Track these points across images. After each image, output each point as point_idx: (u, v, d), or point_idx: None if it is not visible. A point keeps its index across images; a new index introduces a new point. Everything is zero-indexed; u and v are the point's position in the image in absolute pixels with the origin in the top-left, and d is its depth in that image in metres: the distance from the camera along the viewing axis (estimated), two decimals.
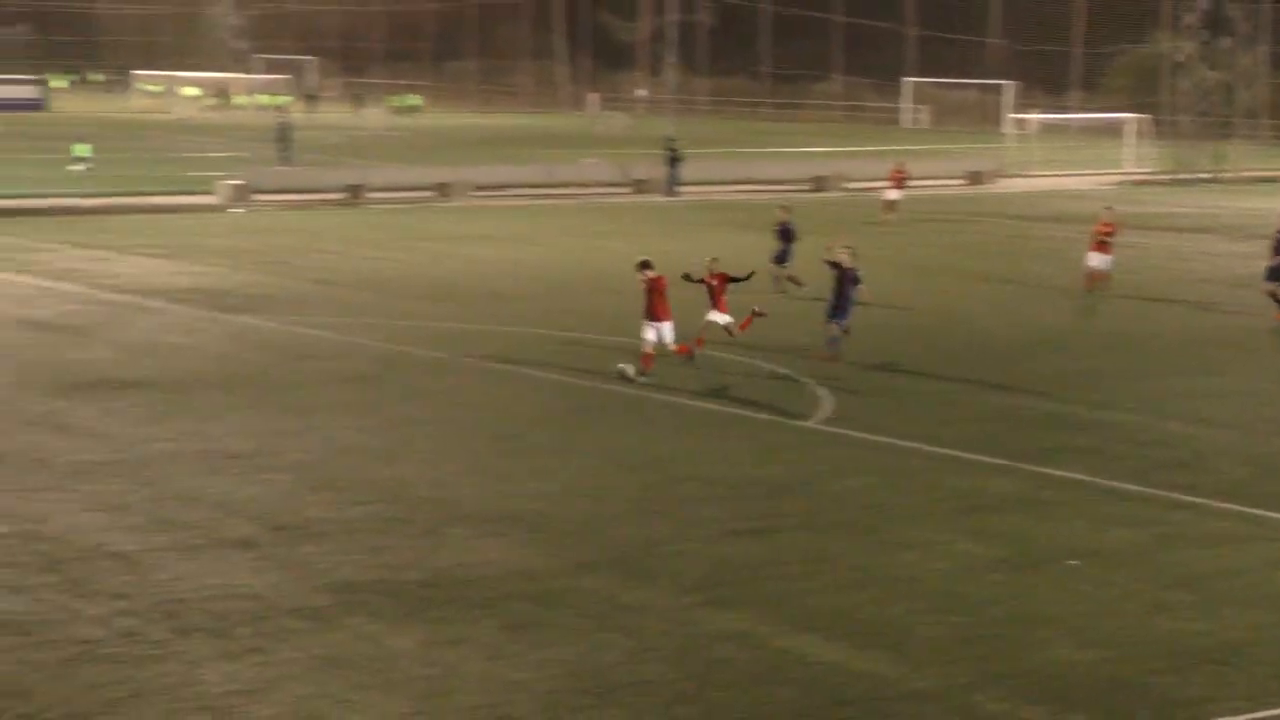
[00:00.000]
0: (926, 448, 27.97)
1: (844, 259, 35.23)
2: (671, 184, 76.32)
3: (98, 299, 42.12)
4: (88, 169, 78.29)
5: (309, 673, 17.30)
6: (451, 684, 17.13)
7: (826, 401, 31.44)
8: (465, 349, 35.75)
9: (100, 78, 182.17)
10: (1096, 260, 46.17)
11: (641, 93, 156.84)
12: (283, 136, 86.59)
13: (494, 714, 16.38)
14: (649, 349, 32.65)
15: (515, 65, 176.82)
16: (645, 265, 33.02)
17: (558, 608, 19.58)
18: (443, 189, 73.12)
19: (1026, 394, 32.77)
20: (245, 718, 16.12)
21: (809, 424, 29.75)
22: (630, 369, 32.76)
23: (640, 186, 77.21)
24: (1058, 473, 26.48)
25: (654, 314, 32.79)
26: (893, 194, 65.66)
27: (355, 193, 71.10)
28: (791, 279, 44.27)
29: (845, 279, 35.06)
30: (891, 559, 21.85)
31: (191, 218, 63.20)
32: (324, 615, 19.11)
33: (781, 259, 44.93)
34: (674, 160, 76.76)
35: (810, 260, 40.90)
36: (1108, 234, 46.23)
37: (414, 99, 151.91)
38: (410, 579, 20.50)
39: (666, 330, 32.91)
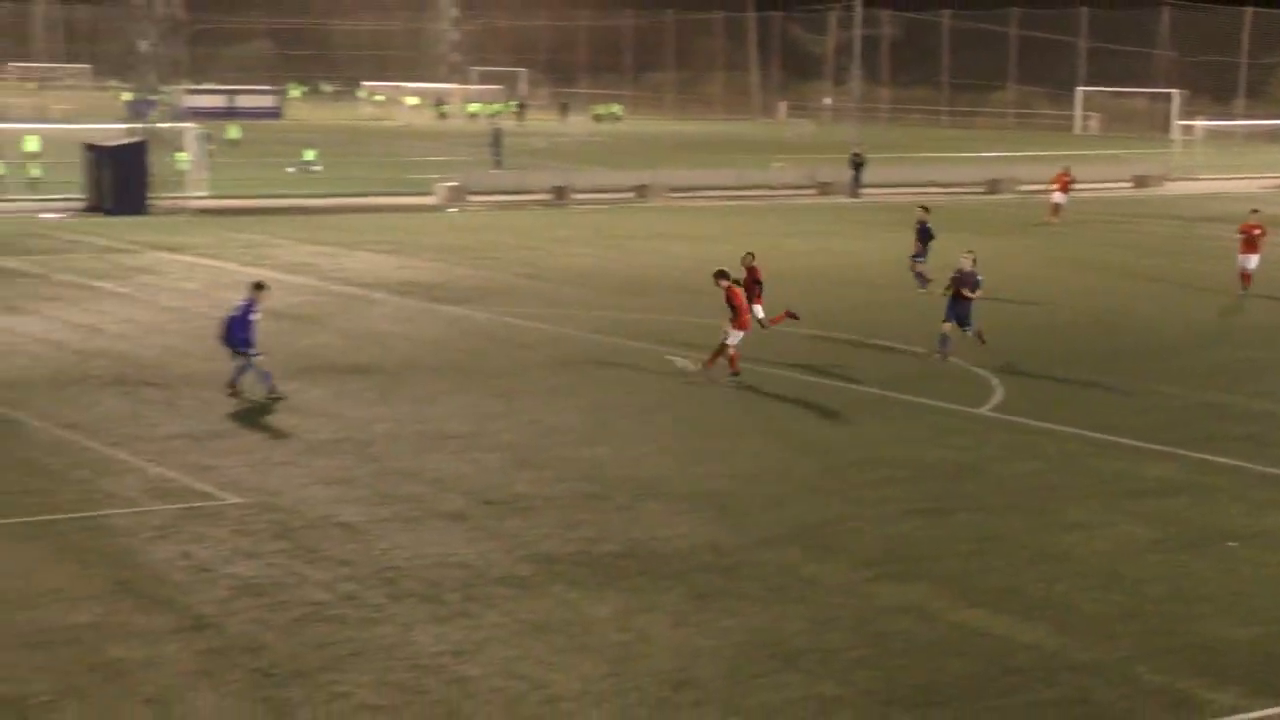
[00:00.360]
0: (1092, 434, 27.62)
1: (965, 264, 34.22)
2: (855, 187, 75.96)
3: (327, 290, 42.72)
4: (307, 171, 79.50)
5: (513, 636, 17.46)
6: (643, 648, 17.21)
7: (997, 390, 31.13)
8: (659, 339, 35.83)
9: (329, 88, 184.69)
10: (1247, 260, 45.19)
11: (828, 101, 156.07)
12: (495, 142, 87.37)
13: (682, 677, 16.42)
14: (734, 351, 31.60)
15: (709, 76, 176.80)
16: (722, 275, 31.82)
17: (742, 579, 19.60)
18: (641, 190, 73.27)
19: (1187, 385, 32.23)
20: (454, 676, 16.30)
21: (980, 411, 29.48)
22: (684, 362, 32.51)
23: (825, 189, 76.91)
24: (1217, 459, 26.05)
25: (739, 323, 31.51)
26: (1058, 198, 64.73)
27: (560, 194, 71.45)
28: (920, 275, 43.81)
29: (961, 283, 33.90)
30: (1057, 539, 21.62)
31: (412, 216, 63.86)
32: (528, 583, 19.27)
33: (918, 256, 44.49)
34: (857, 164, 76.39)
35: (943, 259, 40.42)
36: (1255, 234, 45.22)
37: (615, 107, 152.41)
38: (606, 551, 20.60)
39: (735, 334, 31.53)
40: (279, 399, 28.78)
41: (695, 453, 25.91)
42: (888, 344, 35.58)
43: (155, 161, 63.32)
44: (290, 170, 79.85)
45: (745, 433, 27.48)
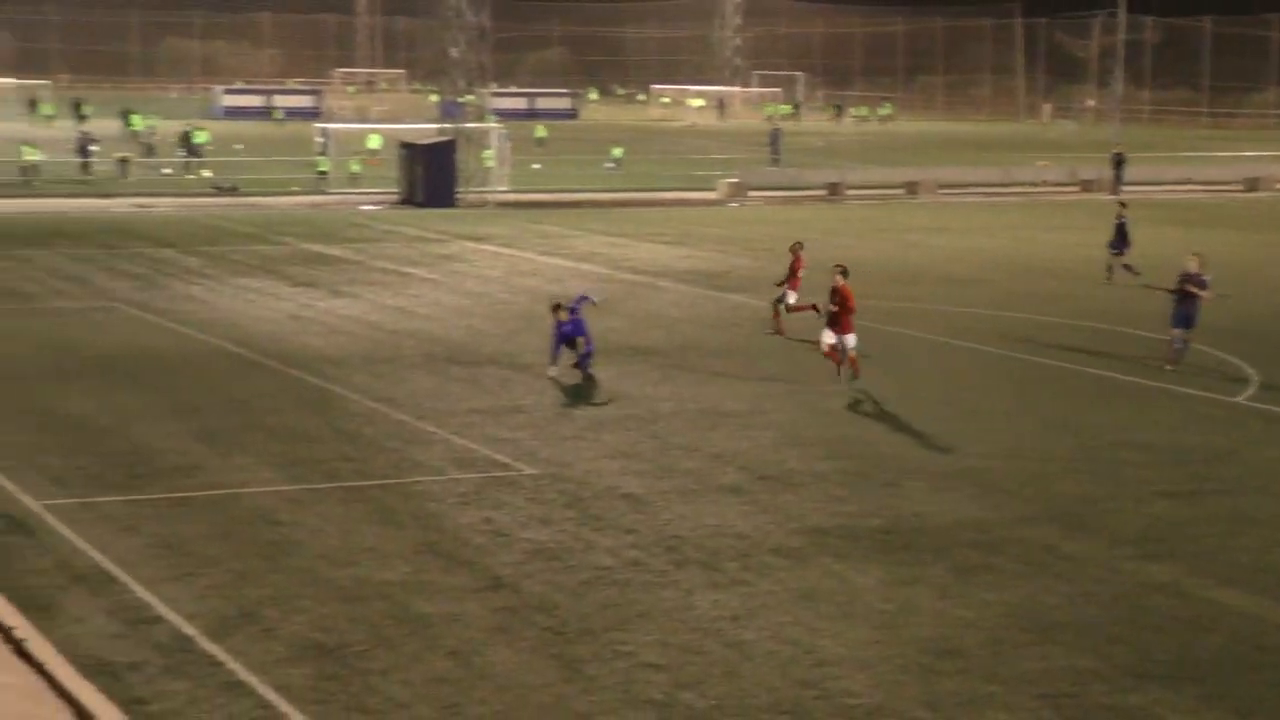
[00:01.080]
0: None
1: (1191, 266, 31.57)
2: (1116, 184, 74.28)
3: (616, 278, 43.05)
4: (617, 169, 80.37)
5: (785, 603, 17.41)
6: (907, 618, 17.04)
7: (1254, 380, 30.20)
8: (925, 326, 35.45)
9: (621, 91, 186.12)
10: None
11: (1090, 103, 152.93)
12: (774, 141, 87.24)
13: (944, 646, 16.23)
14: (826, 349, 29.50)
15: (977, 78, 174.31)
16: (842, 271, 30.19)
17: (1002, 555, 19.30)
18: (911, 187, 72.53)
19: None
20: (731, 639, 16.31)
21: (1236, 399, 28.63)
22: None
23: (1087, 186, 75.33)
24: None
25: (841, 326, 29.16)
26: None
27: (834, 190, 71.04)
28: (1127, 267, 42.72)
29: (1189, 284, 31.47)
30: None
31: (695, 210, 64.07)
32: (798, 554, 19.20)
33: (1118, 248, 43.34)
34: (1118, 163, 74.65)
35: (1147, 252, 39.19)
36: None
37: (886, 108, 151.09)
38: (872, 525, 20.44)
39: (849, 340, 29.21)
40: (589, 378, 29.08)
41: (957, 433, 25.57)
42: (1146, 334, 34.71)
43: (462, 159, 64.44)
44: (608, 166, 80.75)
45: (1006, 414, 27.06)
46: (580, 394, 28.12)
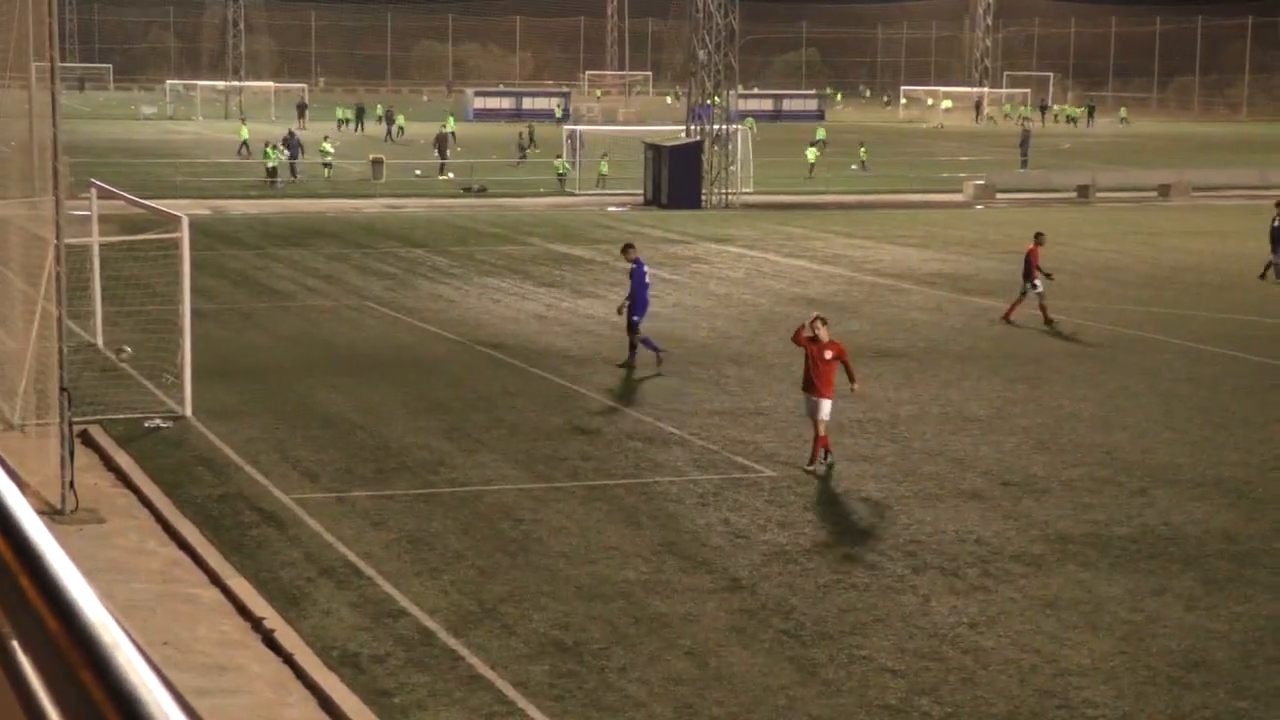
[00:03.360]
0: None
1: None
2: None
3: (859, 280, 42.80)
4: (862, 169, 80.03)
5: (1026, 611, 17.14)
6: (1153, 629, 16.66)
7: None
8: (1179, 332, 34.61)
9: (867, 93, 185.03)
10: None
11: None
12: (1024, 142, 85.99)
13: (1192, 659, 15.83)
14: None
15: (1237, 78, 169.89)
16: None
17: (1255, 566, 18.77)
18: (1164, 189, 70.90)
19: None
20: (970, 646, 16.10)
21: None
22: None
23: None
24: None
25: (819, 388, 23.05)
26: None
27: (1084, 192, 69.77)
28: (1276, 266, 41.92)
29: None
30: None
31: (941, 212, 63.38)
32: (1041, 562, 18.88)
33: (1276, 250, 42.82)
34: None
35: None
36: None
37: (1122, 112, 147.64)
38: (1118, 534, 20.02)
39: (824, 408, 23.05)
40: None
41: (1210, 441, 24.93)
42: None
43: (708, 160, 64.62)
44: (853, 168, 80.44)
45: (1263, 423, 26.30)
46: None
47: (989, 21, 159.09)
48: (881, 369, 30.39)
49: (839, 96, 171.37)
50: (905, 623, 16.72)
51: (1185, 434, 25.44)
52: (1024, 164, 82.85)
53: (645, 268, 30.87)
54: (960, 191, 69.32)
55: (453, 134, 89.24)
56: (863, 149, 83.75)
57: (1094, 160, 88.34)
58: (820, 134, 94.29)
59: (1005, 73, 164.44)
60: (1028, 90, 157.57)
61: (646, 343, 30.28)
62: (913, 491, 21.89)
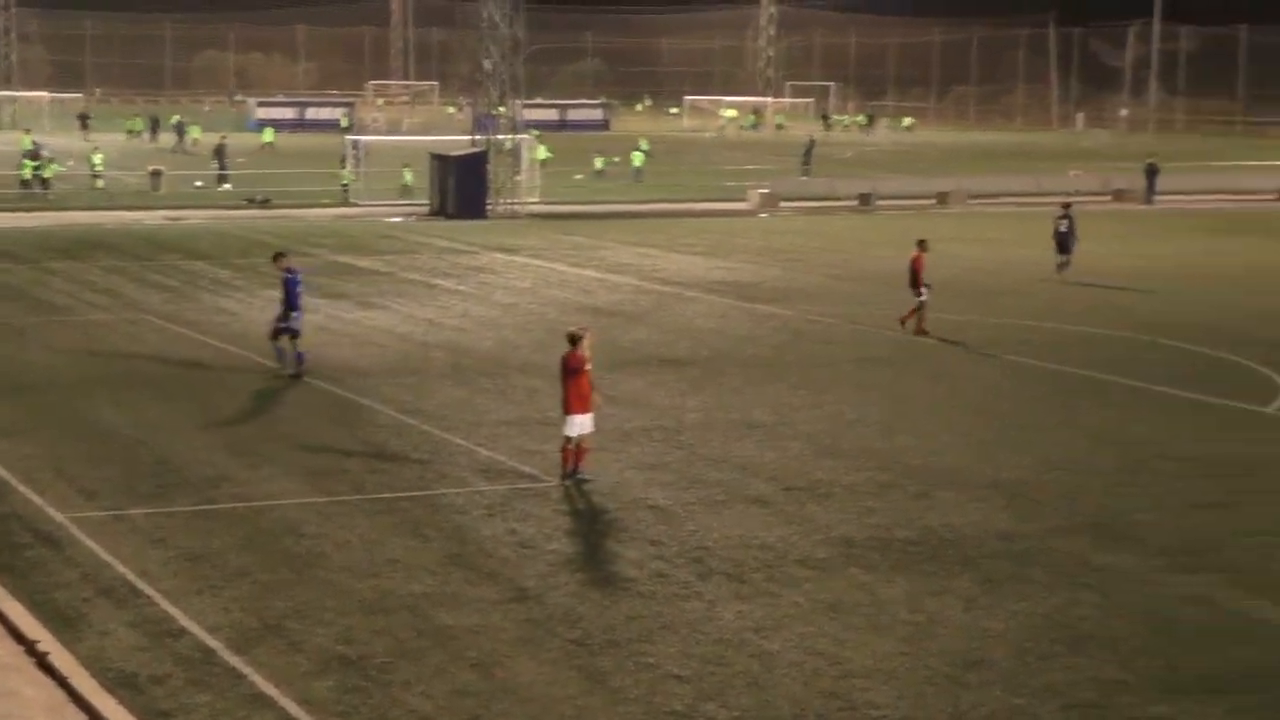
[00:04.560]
0: None
1: None
2: (1150, 194, 73.93)
3: (645, 289, 43.00)
4: (637, 178, 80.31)
5: (810, 615, 17.32)
6: (934, 629, 16.93)
7: None
8: (956, 336, 35.28)
9: (647, 102, 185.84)
10: None
11: (1124, 112, 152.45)
12: (807, 151, 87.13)
13: (971, 658, 16.12)
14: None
15: (1011, 88, 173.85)
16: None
17: (1032, 566, 19.17)
18: (942, 197, 72.32)
19: None
20: (756, 651, 16.23)
21: (1268, 410, 28.43)
22: None
23: (1120, 196, 74.97)
24: None
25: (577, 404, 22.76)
26: None
27: (865, 200, 70.86)
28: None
29: None
30: None
31: (726, 221, 63.91)
32: (825, 565, 19.11)
33: None
34: (1152, 172, 74.32)
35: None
36: None
37: (907, 120, 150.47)
38: (900, 536, 20.33)
39: (586, 423, 22.79)
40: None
41: (992, 444, 25.45)
42: (1179, 344, 34.55)
43: (494, 170, 64.46)
44: (635, 166, 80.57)
45: (1042, 426, 26.91)
46: (608, 406, 27.99)
47: (771, 32, 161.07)
48: (668, 377, 30.56)
49: (639, 106, 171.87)
50: (692, 629, 16.80)
51: (966, 438, 25.93)
52: (807, 172, 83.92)
53: (299, 277, 30.54)
54: (745, 200, 69.98)
55: (272, 144, 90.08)
56: (637, 155, 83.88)
57: (876, 169, 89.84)
58: (541, 154, 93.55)
59: (788, 82, 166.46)
60: (810, 100, 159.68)
61: (287, 353, 30.12)
62: (699, 498, 22.02)
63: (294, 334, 30.14)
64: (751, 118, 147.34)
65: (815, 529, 20.58)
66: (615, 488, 22.49)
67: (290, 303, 30.07)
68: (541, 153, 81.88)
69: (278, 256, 31.70)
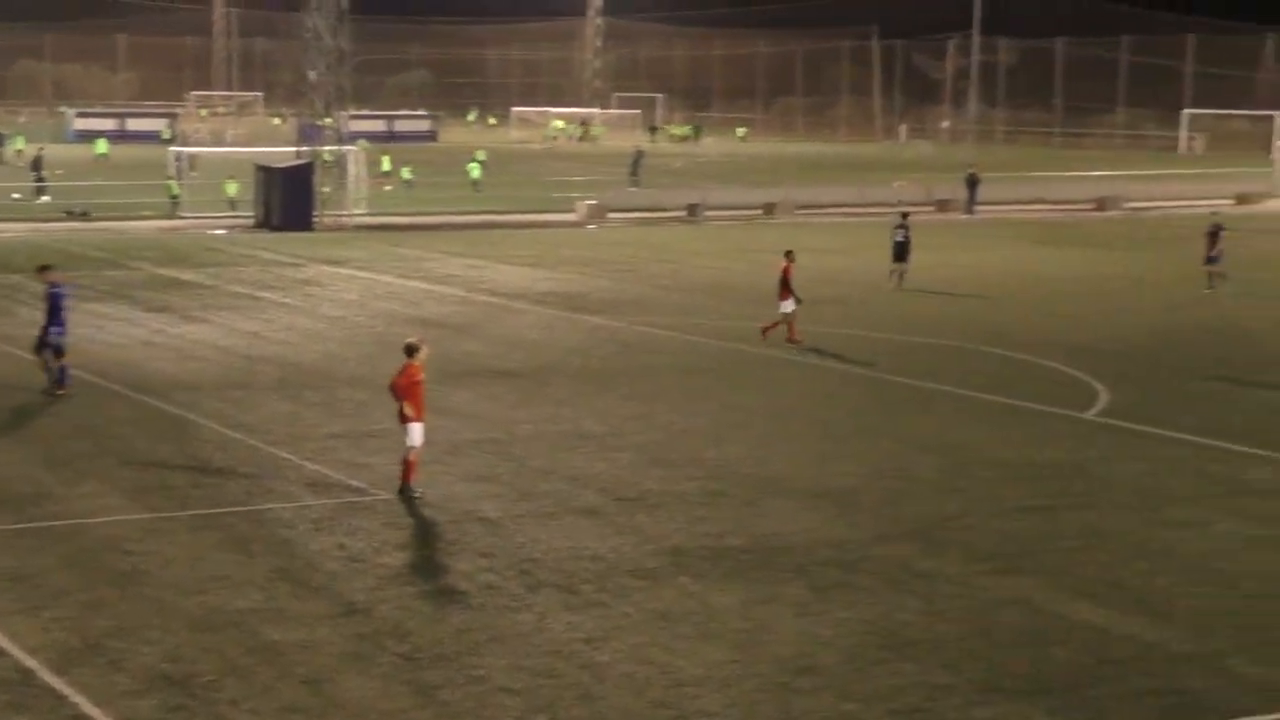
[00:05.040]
0: (1194, 439, 27.11)
1: None
2: (970, 204, 75.22)
3: (473, 300, 42.89)
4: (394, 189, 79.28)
5: (641, 625, 17.36)
6: (765, 637, 17.06)
7: (1102, 396, 30.65)
8: (788, 347, 35.59)
9: (476, 113, 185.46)
10: None
11: (945, 124, 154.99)
12: (635, 162, 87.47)
13: (802, 664, 16.25)
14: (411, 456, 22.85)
15: (836, 100, 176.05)
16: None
17: (859, 573, 19.39)
18: (769, 208, 72.99)
19: None
20: (586, 662, 16.23)
21: (1086, 415, 29.03)
22: None
23: (943, 206, 76.17)
24: None
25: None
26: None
27: (693, 211, 71.26)
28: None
29: None
30: (1159, 536, 21.25)
31: (554, 232, 63.97)
32: (656, 575, 19.17)
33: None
34: (973, 183, 75.62)
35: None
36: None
37: (741, 131, 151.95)
38: (731, 545, 20.46)
39: (416, 433, 22.55)
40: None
41: (821, 453, 25.70)
42: (1003, 351, 35.17)
43: (320, 182, 63.92)
44: (389, 189, 79.21)
45: (870, 435, 27.23)
46: (438, 418, 27.86)
47: (598, 44, 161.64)
48: (498, 389, 30.50)
49: (469, 117, 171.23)
50: (522, 641, 16.77)
51: (798, 446, 26.17)
52: (635, 183, 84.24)
53: (64, 290, 30.08)
54: (573, 211, 70.08)
55: (106, 155, 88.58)
56: (474, 167, 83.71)
57: (704, 179, 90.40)
58: (386, 166, 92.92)
59: (615, 94, 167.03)
60: (638, 111, 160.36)
61: (51, 369, 29.55)
62: (529, 510, 21.99)
63: (58, 351, 29.45)
64: (580, 129, 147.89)
65: (646, 539, 20.64)
66: (445, 500, 22.39)
67: (53, 317, 29.46)
68: (385, 164, 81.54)
69: (43, 269, 31.05)
